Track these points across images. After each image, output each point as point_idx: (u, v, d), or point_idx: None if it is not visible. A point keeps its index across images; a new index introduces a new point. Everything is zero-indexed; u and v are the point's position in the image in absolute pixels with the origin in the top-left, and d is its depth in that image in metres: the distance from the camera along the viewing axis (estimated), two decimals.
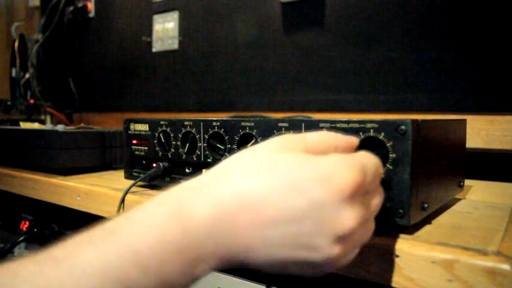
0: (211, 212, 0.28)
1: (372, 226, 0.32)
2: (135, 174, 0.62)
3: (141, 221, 0.28)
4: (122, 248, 0.26)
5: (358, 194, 0.29)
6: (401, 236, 0.37)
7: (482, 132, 0.74)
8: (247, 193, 0.28)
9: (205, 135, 0.52)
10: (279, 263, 0.29)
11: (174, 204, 0.28)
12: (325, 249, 0.28)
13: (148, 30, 1.29)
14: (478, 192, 0.60)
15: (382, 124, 0.37)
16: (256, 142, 0.46)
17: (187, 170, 0.56)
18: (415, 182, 0.37)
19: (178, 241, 0.27)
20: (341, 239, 0.28)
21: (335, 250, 0.28)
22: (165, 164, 0.57)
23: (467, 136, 0.57)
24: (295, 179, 0.28)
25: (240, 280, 0.48)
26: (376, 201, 0.32)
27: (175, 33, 1.22)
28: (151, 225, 0.27)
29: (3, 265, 0.25)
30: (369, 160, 0.31)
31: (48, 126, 0.93)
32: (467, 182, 0.59)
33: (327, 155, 0.30)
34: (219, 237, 0.28)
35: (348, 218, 0.28)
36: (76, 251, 0.26)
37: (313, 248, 0.28)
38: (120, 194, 0.57)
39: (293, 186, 0.28)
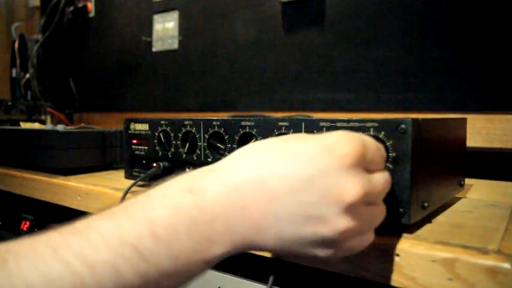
0: (223, 190, 0.29)
1: (381, 209, 0.33)
2: (135, 174, 0.62)
3: (156, 196, 0.29)
4: (138, 218, 0.28)
5: (359, 165, 0.30)
6: (402, 235, 0.37)
7: (482, 131, 0.74)
8: (256, 170, 0.30)
9: (206, 135, 0.52)
10: (289, 242, 0.29)
11: (188, 182, 0.30)
12: (332, 219, 0.28)
13: (149, 30, 1.29)
14: (478, 191, 0.60)
15: (382, 123, 0.37)
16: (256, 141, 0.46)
17: (187, 170, 0.56)
18: (415, 181, 0.37)
19: (191, 214, 0.28)
20: (347, 209, 0.28)
21: (342, 222, 0.28)
22: (165, 163, 0.57)
23: (468, 135, 0.57)
24: (299, 151, 0.30)
25: (240, 279, 0.48)
26: (382, 179, 0.32)
27: (176, 32, 1.22)
28: (166, 198, 0.29)
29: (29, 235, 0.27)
30: (370, 140, 0.33)
31: (49, 126, 0.93)
32: (468, 181, 0.58)
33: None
34: (230, 215, 0.29)
35: (352, 186, 0.29)
36: (97, 222, 0.28)
37: (320, 219, 0.29)
38: (120, 194, 0.57)
39: (296, 157, 0.29)
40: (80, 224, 0.28)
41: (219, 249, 0.29)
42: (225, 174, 0.30)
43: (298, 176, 0.29)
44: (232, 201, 0.29)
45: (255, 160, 0.30)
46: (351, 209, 0.29)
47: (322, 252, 0.30)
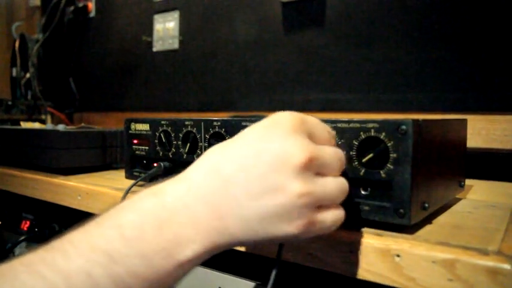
0: (183, 187, 0.31)
1: (336, 182, 0.33)
2: (135, 174, 0.62)
3: (124, 205, 0.31)
4: (107, 225, 0.29)
5: (303, 132, 0.32)
6: (402, 235, 0.37)
7: (482, 131, 0.74)
8: (210, 161, 0.32)
9: (206, 135, 0.52)
10: (255, 222, 0.30)
11: (153, 188, 0.32)
12: (285, 185, 0.29)
13: (149, 29, 1.29)
14: (478, 192, 0.60)
15: (383, 124, 0.37)
16: None
17: None
18: (415, 181, 0.37)
19: (155, 213, 0.29)
20: (297, 173, 0.30)
21: (295, 185, 0.29)
22: (166, 163, 0.57)
23: (468, 136, 0.57)
24: (246, 133, 0.32)
25: (241, 279, 0.48)
26: (330, 150, 0.33)
27: (176, 32, 1.22)
28: (133, 203, 0.31)
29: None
30: (313, 118, 0.35)
31: (49, 126, 0.93)
32: (468, 182, 0.59)
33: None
34: (192, 208, 0.30)
35: (297, 149, 0.30)
36: (69, 236, 0.29)
37: (275, 188, 0.29)
38: (120, 194, 0.57)
39: (244, 139, 0.32)
40: (54, 241, 0.29)
41: (189, 248, 0.29)
42: (184, 175, 0.32)
43: (247, 153, 0.31)
44: (193, 195, 0.30)
45: (209, 154, 0.32)
46: (300, 173, 0.30)
47: (290, 228, 0.30)
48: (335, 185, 0.33)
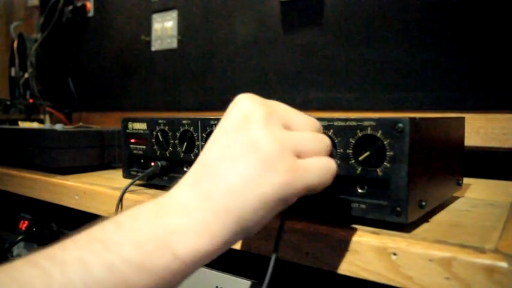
0: (174, 188, 0.33)
1: (323, 162, 0.33)
2: (133, 173, 0.62)
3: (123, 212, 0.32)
4: (107, 221, 0.30)
5: (264, 103, 0.34)
6: (399, 234, 0.37)
7: (481, 130, 0.74)
8: (199, 158, 0.33)
9: (203, 134, 0.51)
10: (241, 188, 0.30)
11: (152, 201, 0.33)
12: (256, 137, 0.31)
13: (148, 29, 1.29)
14: (476, 191, 0.60)
15: (380, 122, 0.37)
16: None
17: (185, 169, 0.56)
18: (412, 180, 0.37)
19: (151, 207, 0.31)
20: (263, 124, 0.31)
21: (265, 137, 0.31)
22: (163, 162, 0.57)
23: (466, 134, 0.57)
24: (222, 125, 0.34)
25: (239, 279, 0.48)
26: (306, 133, 0.34)
27: (175, 32, 1.22)
28: (130, 210, 0.32)
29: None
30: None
31: (47, 125, 0.93)
32: (466, 180, 0.58)
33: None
34: (186, 198, 0.31)
35: (257, 107, 0.33)
36: (72, 236, 0.30)
37: (250, 142, 0.31)
38: (118, 193, 0.57)
39: (219, 128, 0.34)
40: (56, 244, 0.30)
41: (184, 236, 0.29)
42: (182, 181, 0.33)
43: (225, 142, 0.32)
44: (183, 188, 0.32)
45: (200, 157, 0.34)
46: (267, 124, 0.32)
47: (274, 176, 0.30)
48: (317, 162, 0.33)
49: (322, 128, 0.39)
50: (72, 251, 0.27)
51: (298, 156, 0.32)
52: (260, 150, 0.31)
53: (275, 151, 0.31)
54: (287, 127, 0.34)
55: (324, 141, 0.35)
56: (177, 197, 0.32)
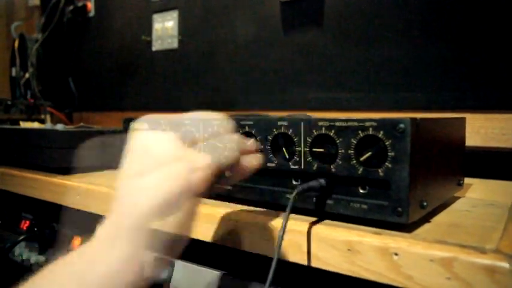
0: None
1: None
2: None
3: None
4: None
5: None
6: (400, 234, 0.37)
7: (481, 130, 0.74)
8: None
9: (205, 135, 0.51)
10: (152, 187, 0.34)
11: None
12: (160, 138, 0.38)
13: (148, 29, 1.29)
14: (477, 191, 0.60)
15: (381, 122, 0.37)
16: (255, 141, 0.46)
17: None
18: (413, 180, 0.37)
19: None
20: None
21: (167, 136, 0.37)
22: None
23: (467, 134, 0.57)
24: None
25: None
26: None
27: (175, 32, 1.22)
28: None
29: None
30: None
31: (48, 125, 0.93)
32: (467, 180, 0.59)
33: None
34: (110, 220, 0.36)
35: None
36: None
37: (156, 141, 0.38)
38: None
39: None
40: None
41: (117, 246, 0.33)
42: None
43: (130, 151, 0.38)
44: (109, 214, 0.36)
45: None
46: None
47: (187, 166, 0.35)
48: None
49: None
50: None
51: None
52: (169, 149, 0.38)
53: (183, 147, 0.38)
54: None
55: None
56: (105, 222, 0.37)
